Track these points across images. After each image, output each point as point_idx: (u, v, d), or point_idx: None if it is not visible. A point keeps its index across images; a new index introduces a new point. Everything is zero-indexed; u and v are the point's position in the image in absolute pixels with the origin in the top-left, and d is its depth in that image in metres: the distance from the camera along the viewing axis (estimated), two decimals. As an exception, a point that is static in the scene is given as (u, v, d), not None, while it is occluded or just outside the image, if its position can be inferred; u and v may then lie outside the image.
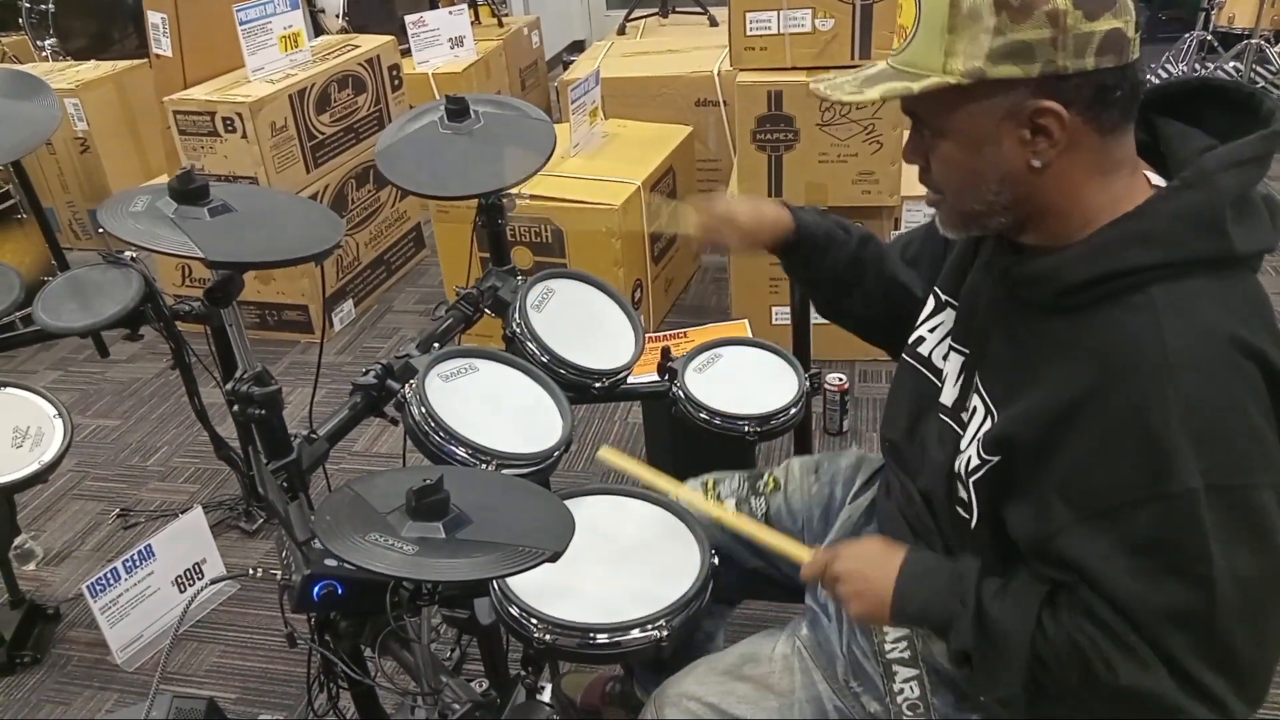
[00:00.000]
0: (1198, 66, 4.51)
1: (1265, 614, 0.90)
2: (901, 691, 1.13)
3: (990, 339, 1.05)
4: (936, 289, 1.19)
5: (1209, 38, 4.51)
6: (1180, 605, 0.88)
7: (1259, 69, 4.39)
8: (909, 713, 1.13)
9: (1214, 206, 0.90)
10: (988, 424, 1.01)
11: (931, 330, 1.18)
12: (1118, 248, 0.92)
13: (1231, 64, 4.42)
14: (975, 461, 1.01)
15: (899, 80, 0.94)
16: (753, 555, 1.38)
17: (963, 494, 1.04)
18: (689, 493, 1.34)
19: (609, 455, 1.32)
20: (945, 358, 1.14)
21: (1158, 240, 0.91)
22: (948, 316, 1.15)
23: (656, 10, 4.63)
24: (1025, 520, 0.97)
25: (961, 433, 1.07)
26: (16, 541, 2.30)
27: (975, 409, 1.04)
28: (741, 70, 2.62)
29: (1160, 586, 0.88)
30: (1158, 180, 0.98)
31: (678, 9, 4.62)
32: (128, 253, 1.98)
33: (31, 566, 2.37)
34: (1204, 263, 0.91)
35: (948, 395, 1.12)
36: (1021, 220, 0.99)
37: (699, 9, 4.52)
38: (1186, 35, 4.56)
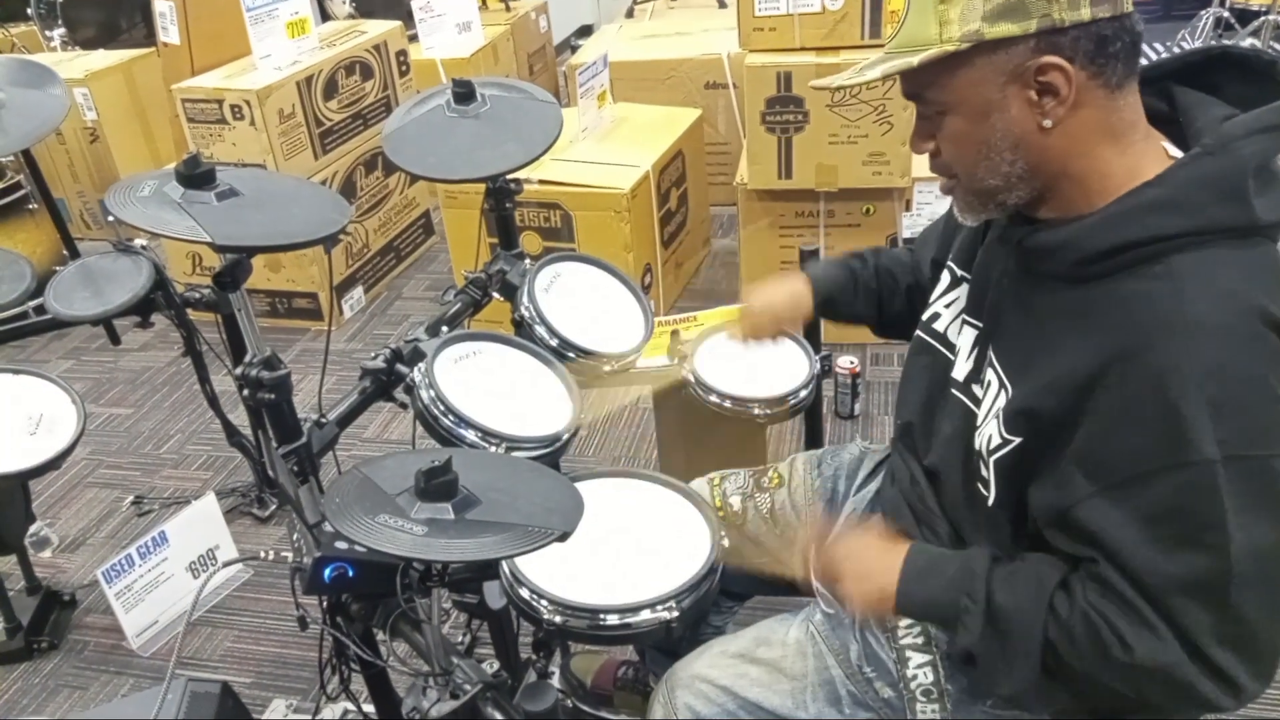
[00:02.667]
0: (1214, 43, 4.46)
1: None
2: (915, 677, 1.12)
3: (1004, 313, 1.04)
4: (951, 264, 1.18)
5: (1225, 14, 4.45)
6: (1196, 576, 0.87)
7: (1276, 45, 4.33)
8: (922, 698, 1.12)
9: (1237, 174, 0.89)
10: (1002, 399, 1.00)
11: (947, 306, 1.18)
12: (1138, 215, 0.90)
13: (1248, 40, 4.37)
14: (997, 440, 1.00)
15: (897, 59, 0.94)
16: (760, 552, 1.38)
17: (982, 472, 1.03)
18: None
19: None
20: (959, 333, 1.13)
21: (1179, 208, 0.89)
22: (962, 292, 1.15)
23: (665, -7, 4.60)
24: (1044, 493, 0.97)
25: (975, 408, 1.07)
26: (32, 529, 2.31)
27: (990, 383, 1.04)
28: (751, 51, 2.60)
29: (1176, 557, 0.87)
30: (1175, 152, 0.97)
31: (686, -9, 4.59)
32: (138, 241, 1.98)
33: (47, 553, 2.39)
34: (1225, 231, 0.89)
35: (960, 370, 1.11)
36: (1039, 191, 0.97)
37: (707, -9, 4.48)
38: (1203, 12, 4.51)
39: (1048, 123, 0.92)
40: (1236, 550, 0.85)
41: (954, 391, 1.11)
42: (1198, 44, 4.47)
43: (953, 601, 1.00)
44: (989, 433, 1.01)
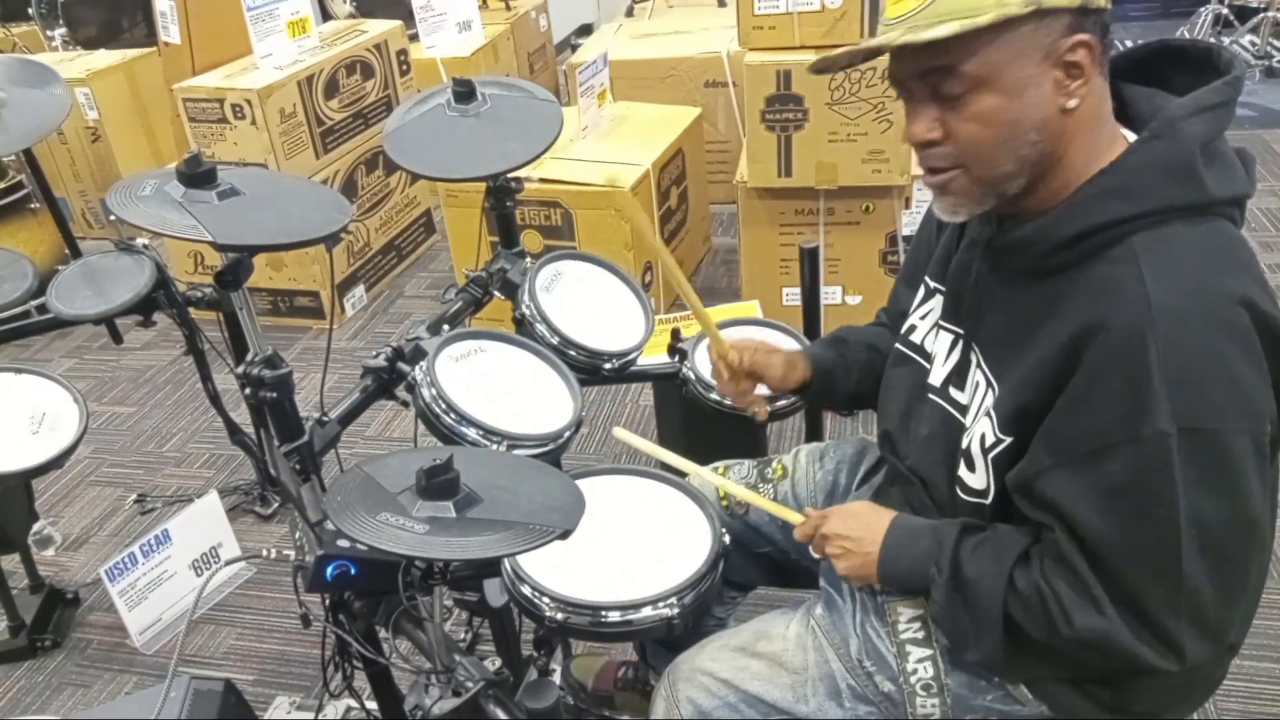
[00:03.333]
0: (1213, 40, 4.46)
1: (1230, 558, 0.92)
2: (915, 671, 1.13)
3: (983, 314, 1.07)
4: (926, 279, 1.21)
5: (1225, 11, 4.45)
6: (1146, 547, 0.90)
7: (1274, 41, 4.34)
8: (922, 693, 1.13)
9: (1184, 153, 0.92)
10: (989, 397, 1.03)
11: (922, 318, 1.20)
12: (1095, 203, 0.93)
13: (1248, 37, 4.37)
14: (992, 439, 1.02)
15: (955, 20, 0.88)
16: (763, 540, 1.39)
17: (975, 471, 1.05)
18: (695, 466, 1.35)
19: (622, 434, 1.33)
20: (935, 339, 1.16)
21: (1133, 192, 0.92)
22: (936, 302, 1.17)
23: (665, -9, 4.60)
24: (1017, 465, 0.99)
25: (957, 411, 1.10)
26: (35, 527, 2.32)
27: (977, 384, 1.06)
28: (750, 50, 2.61)
29: (1128, 528, 0.91)
30: (1132, 138, 0.99)
31: (686, -10, 4.58)
32: (140, 240, 1.99)
33: (50, 552, 2.40)
34: (1180, 210, 0.92)
35: (936, 375, 1.14)
36: (1033, 181, 0.97)
37: (707, -11, 4.48)
38: (1202, 9, 4.51)
39: (1072, 103, 0.93)
40: (1186, 522, 0.88)
41: (931, 396, 1.15)
42: (1143, 41, 4.48)
43: (924, 571, 1.05)
44: (981, 431, 1.04)
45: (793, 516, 1.22)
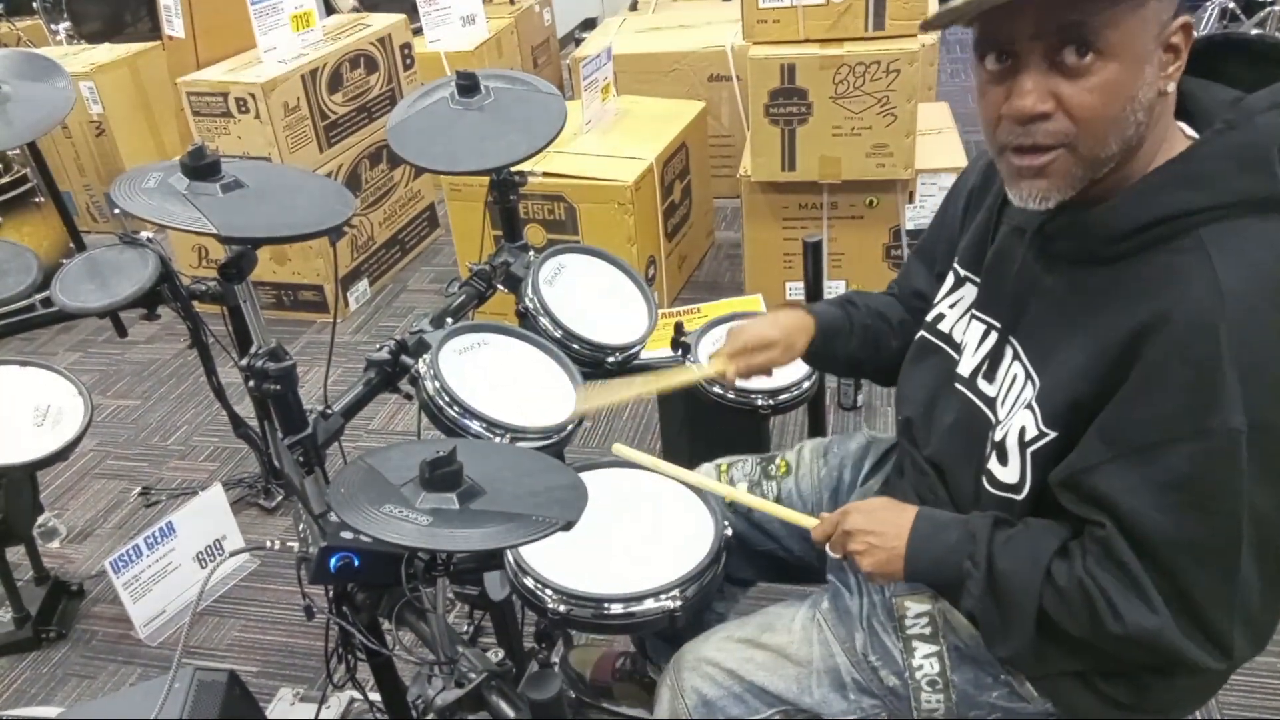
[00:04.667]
0: (1215, 31, 4.45)
1: None
2: (921, 667, 1.13)
3: (1026, 304, 1.03)
4: (956, 266, 1.18)
5: (1231, 4, 4.43)
6: (1204, 540, 0.88)
7: (1282, 37, 4.32)
8: (928, 688, 1.13)
9: (1261, 146, 0.89)
10: (1029, 390, 1.00)
11: (951, 306, 1.18)
12: (1167, 192, 0.91)
13: (1254, 31, 4.35)
14: (1033, 432, 0.99)
15: None
16: (765, 538, 1.39)
17: (1008, 464, 1.02)
18: (699, 478, 1.34)
19: (622, 450, 1.32)
20: (967, 329, 1.13)
21: (1206, 181, 0.90)
22: (968, 291, 1.15)
23: (669, -15, 4.59)
24: (1065, 459, 0.96)
25: (984, 404, 1.07)
26: (40, 519, 2.33)
27: (1014, 376, 1.03)
28: (754, 43, 2.60)
29: (1186, 522, 0.88)
30: (1191, 133, 0.97)
31: (690, -16, 4.58)
32: (144, 233, 1.99)
33: (55, 544, 2.41)
34: (1251, 204, 0.89)
35: (965, 365, 1.12)
36: (1122, 162, 0.93)
37: (711, -17, 4.48)
38: (1208, 3, 4.49)
39: (1170, 86, 0.91)
40: (1247, 516, 0.86)
41: (958, 387, 1.12)
42: (1202, 33, 4.47)
43: (956, 565, 1.02)
44: (1021, 424, 1.00)
45: (806, 521, 1.18)
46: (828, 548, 1.15)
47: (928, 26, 0.97)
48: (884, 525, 1.08)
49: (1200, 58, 0.98)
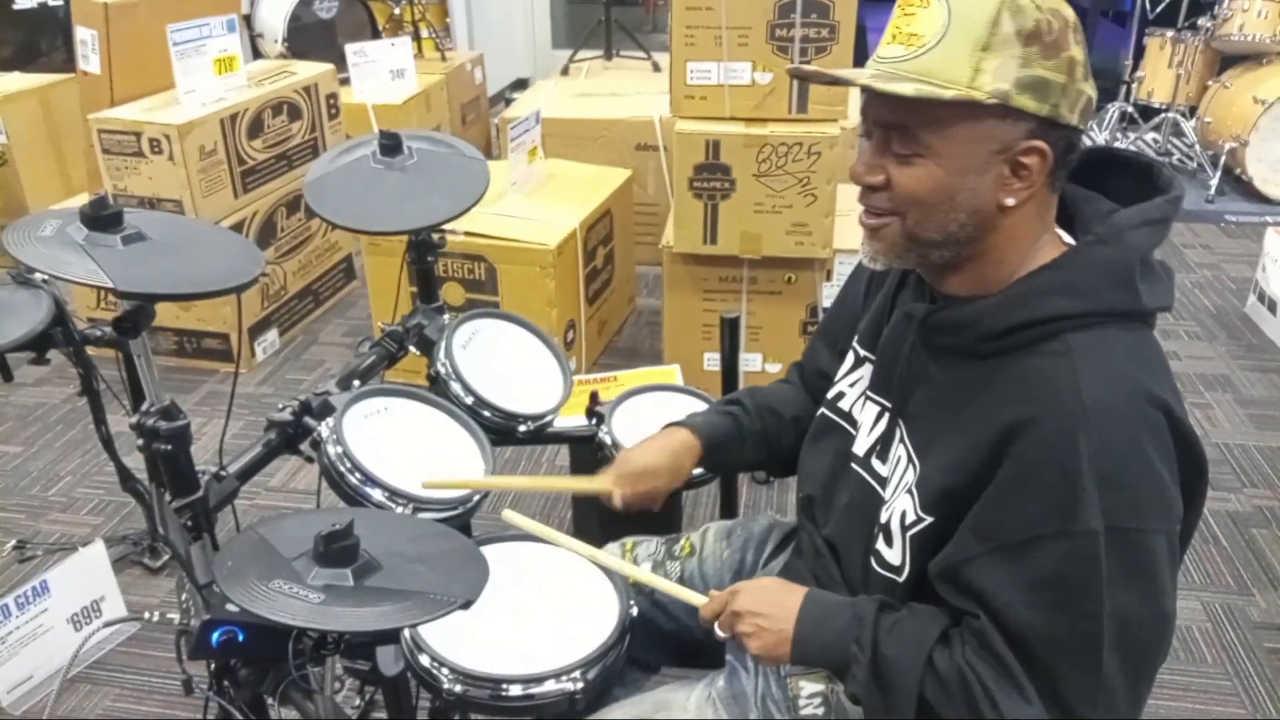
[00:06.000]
0: (1119, 135, 4.71)
1: (1143, 653, 0.94)
2: None
3: (912, 389, 1.07)
4: (855, 345, 1.21)
5: (1130, 109, 4.71)
6: (1069, 639, 0.92)
7: (1174, 140, 4.60)
8: None
9: (1126, 262, 0.96)
10: (910, 474, 1.03)
11: (851, 385, 1.20)
12: (1038, 296, 0.96)
13: (1150, 135, 4.62)
14: (912, 517, 1.02)
15: (926, 85, 0.92)
16: (669, 619, 1.37)
17: (892, 546, 1.05)
18: (594, 551, 1.32)
19: (512, 517, 1.27)
20: (863, 409, 1.16)
21: (1077, 290, 0.95)
22: (866, 371, 1.18)
23: (601, 53, 4.68)
24: (941, 551, 1.00)
25: (877, 484, 1.10)
26: (-101, 573, 2.17)
27: (899, 459, 1.07)
28: (681, 117, 2.65)
29: (1054, 619, 0.92)
30: (1067, 238, 1.03)
31: (622, 53, 4.67)
32: (38, 274, 1.90)
33: (-85, 600, 2.24)
34: (1116, 315, 0.96)
35: (860, 445, 1.15)
36: (959, 261, 1.01)
37: (643, 54, 4.57)
38: (1109, 105, 4.76)
39: (1010, 201, 0.96)
40: (1108, 617, 0.90)
41: (853, 466, 1.15)
42: (1104, 135, 4.73)
43: (843, 649, 1.03)
44: (902, 508, 1.04)
45: (695, 599, 1.17)
46: (716, 628, 1.14)
47: (795, 75, 1.06)
48: (772, 608, 1.08)
49: (1087, 168, 1.05)
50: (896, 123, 0.96)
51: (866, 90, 0.97)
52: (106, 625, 1.73)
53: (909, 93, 0.92)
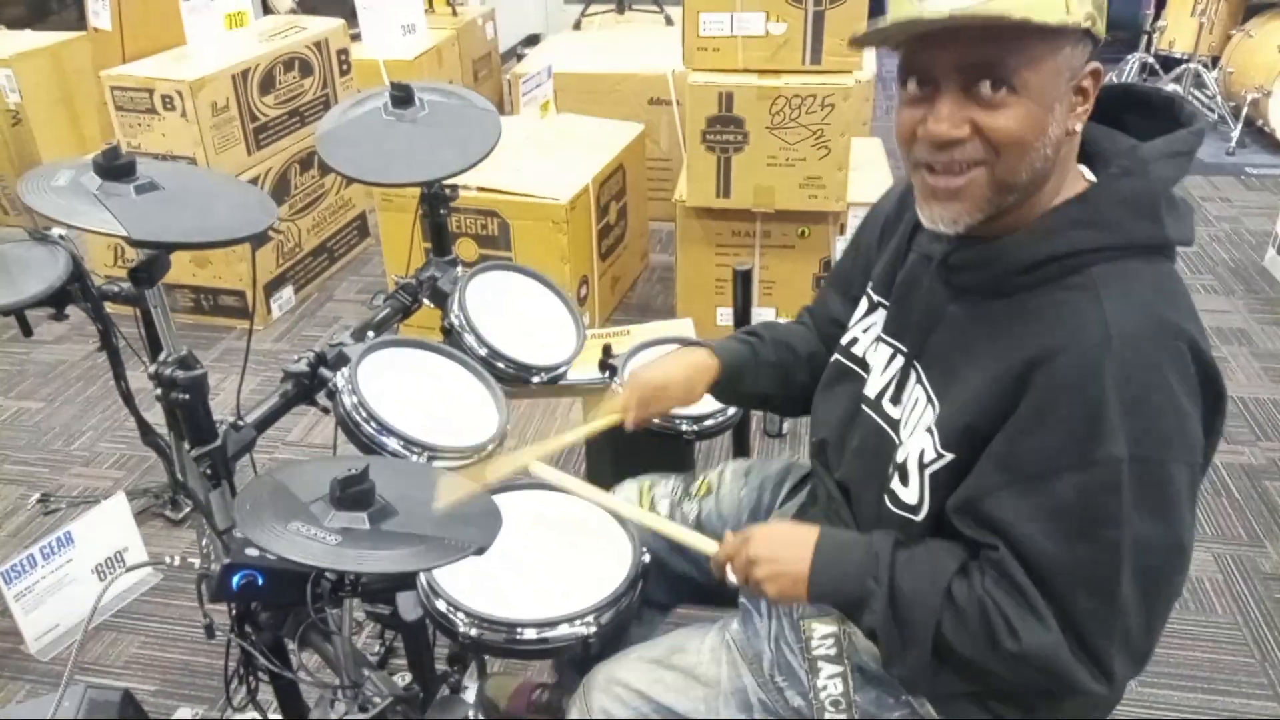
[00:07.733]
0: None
1: (1159, 584, 0.94)
2: (825, 688, 1.14)
3: (930, 331, 1.07)
4: (869, 292, 1.21)
5: (1151, 60, 4.63)
6: (1089, 568, 0.92)
7: (1195, 91, 4.52)
8: (831, 708, 1.14)
9: (1152, 194, 0.96)
10: (929, 414, 1.03)
11: (865, 331, 1.20)
12: (1064, 231, 0.96)
13: (1171, 86, 4.55)
14: (931, 454, 1.02)
15: (1024, 10, 0.86)
16: (684, 561, 1.38)
17: (909, 485, 1.05)
18: (614, 501, 1.33)
19: (538, 469, 1.29)
20: (875, 352, 1.16)
21: (1101, 223, 0.95)
22: (879, 316, 1.17)
23: (613, 6, 4.62)
24: (962, 484, 1.00)
25: (889, 425, 1.10)
26: (-72, 525, 2.21)
27: (916, 400, 1.06)
28: (694, 70, 2.62)
29: (1073, 548, 0.92)
30: (1090, 176, 1.02)
31: (634, 6, 4.62)
32: (56, 230, 1.92)
33: (-57, 551, 2.29)
34: (1139, 248, 0.95)
35: (872, 387, 1.15)
36: (1018, 203, 0.97)
37: (655, 7, 4.52)
38: (1129, 56, 4.68)
39: (1078, 126, 0.96)
40: (1127, 546, 0.90)
41: (865, 409, 1.15)
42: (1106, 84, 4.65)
43: (860, 583, 1.03)
44: (920, 446, 1.03)
45: (707, 546, 1.17)
46: (730, 573, 1.13)
47: (855, 43, 1.00)
48: (785, 549, 1.09)
49: (1102, 106, 1.03)
50: (986, 62, 0.89)
51: (950, 30, 0.88)
52: (129, 570, 1.76)
53: (1020, 14, 0.84)
